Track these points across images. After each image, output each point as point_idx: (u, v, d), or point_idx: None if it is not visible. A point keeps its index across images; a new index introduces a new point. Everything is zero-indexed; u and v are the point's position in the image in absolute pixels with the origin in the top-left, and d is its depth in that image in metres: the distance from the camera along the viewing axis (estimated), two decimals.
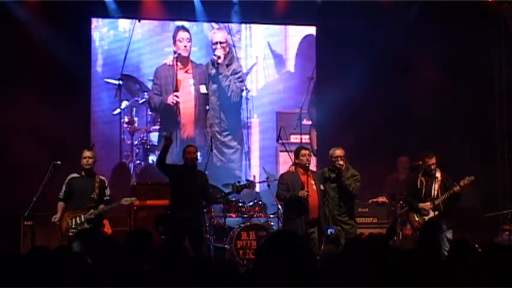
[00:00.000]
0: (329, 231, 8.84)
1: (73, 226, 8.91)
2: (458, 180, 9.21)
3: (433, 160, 9.31)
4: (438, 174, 9.36)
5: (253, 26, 12.47)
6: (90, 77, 11.65)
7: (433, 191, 9.29)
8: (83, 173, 9.11)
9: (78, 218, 8.94)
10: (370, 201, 10.40)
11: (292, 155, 9.33)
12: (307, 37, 12.58)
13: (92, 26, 11.82)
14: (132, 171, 11.91)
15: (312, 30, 12.55)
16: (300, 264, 3.80)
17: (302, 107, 11.64)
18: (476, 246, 8.28)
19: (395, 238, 10.32)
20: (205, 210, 9.58)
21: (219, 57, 12.02)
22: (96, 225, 8.98)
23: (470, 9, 11.65)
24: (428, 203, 9.29)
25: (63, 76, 11.08)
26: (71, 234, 8.87)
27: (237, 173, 12.04)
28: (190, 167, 9.10)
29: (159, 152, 9.33)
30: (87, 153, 9.14)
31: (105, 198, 9.09)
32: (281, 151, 12.06)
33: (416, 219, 9.45)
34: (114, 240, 5.36)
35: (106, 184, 9.21)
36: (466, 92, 11.79)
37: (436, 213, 9.22)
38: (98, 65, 11.84)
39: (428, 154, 9.38)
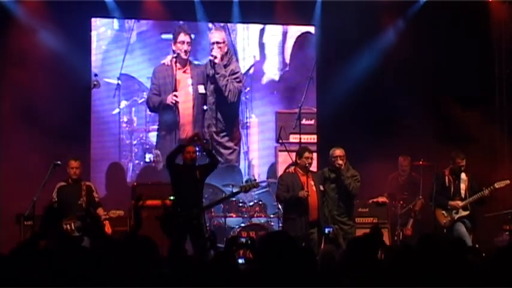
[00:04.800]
0: (326, 230, 8.86)
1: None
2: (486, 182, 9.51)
3: (464, 161, 9.53)
4: (463, 175, 9.57)
5: (252, 26, 12.46)
6: (90, 76, 11.63)
7: (461, 190, 9.53)
8: (69, 181, 9.34)
9: (68, 226, 9.15)
10: (370, 201, 10.40)
11: (292, 154, 9.31)
12: (302, 36, 12.55)
13: (93, 26, 11.81)
14: (131, 171, 11.90)
15: (309, 29, 12.54)
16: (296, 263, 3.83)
17: (301, 106, 11.64)
18: (477, 246, 8.34)
19: (395, 238, 10.36)
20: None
21: (215, 57, 11.98)
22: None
23: (470, 9, 11.66)
24: (459, 202, 9.50)
25: (63, 76, 11.06)
26: None
27: (236, 173, 12.05)
28: (190, 166, 9.12)
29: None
30: (74, 164, 9.41)
31: (96, 200, 9.43)
32: (280, 151, 12.07)
33: (445, 216, 9.60)
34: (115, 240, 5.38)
35: (93, 188, 9.54)
36: (465, 92, 11.78)
37: (467, 212, 9.53)
38: (97, 65, 11.83)
39: (459, 154, 9.63)
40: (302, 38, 12.57)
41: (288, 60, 12.53)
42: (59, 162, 9.35)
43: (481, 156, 10.70)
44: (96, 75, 11.45)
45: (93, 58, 11.77)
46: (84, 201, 9.27)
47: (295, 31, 12.60)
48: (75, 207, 9.20)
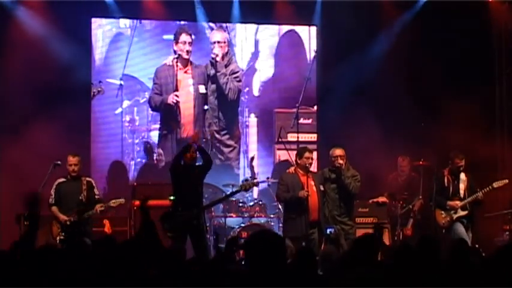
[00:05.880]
0: (328, 230, 8.86)
1: (64, 230, 9.05)
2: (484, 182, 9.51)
3: (463, 161, 9.53)
4: (462, 175, 9.58)
5: (251, 26, 12.47)
6: (90, 77, 11.64)
7: (460, 190, 9.55)
8: (69, 177, 9.27)
9: (68, 222, 9.07)
10: (370, 201, 10.40)
11: (291, 153, 9.30)
12: (294, 36, 12.54)
13: (94, 26, 11.82)
14: (133, 169, 11.94)
15: (304, 29, 12.53)
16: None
17: (299, 106, 11.68)
18: (477, 246, 8.33)
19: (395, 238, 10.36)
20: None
21: (217, 55, 12.03)
22: (86, 228, 9.11)
23: (470, 9, 11.66)
24: (458, 202, 9.51)
25: (64, 76, 11.07)
26: (62, 237, 8.95)
27: (235, 172, 12.07)
28: (190, 166, 9.12)
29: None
30: (72, 160, 9.27)
31: (96, 197, 9.29)
32: (278, 149, 12.11)
33: (443, 216, 9.60)
34: (115, 240, 5.39)
35: (93, 184, 9.42)
36: (465, 92, 11.78)
37: (465, 212, 9.54)
38: (100, 64, 11.85)
39: (458, 155, 9.66)
40: (295, 39, 12.58)
41: (286, 61, 12.54)
42: (59, 162, 9.34)
43: (481, 156, 10.71)
44: (100, 81, 11.48)
45: (96, 57, 11.80)
46: (85, 196, 9.16)
47: (291, 31, 12.61)
48: (75, 203, 9.12)
